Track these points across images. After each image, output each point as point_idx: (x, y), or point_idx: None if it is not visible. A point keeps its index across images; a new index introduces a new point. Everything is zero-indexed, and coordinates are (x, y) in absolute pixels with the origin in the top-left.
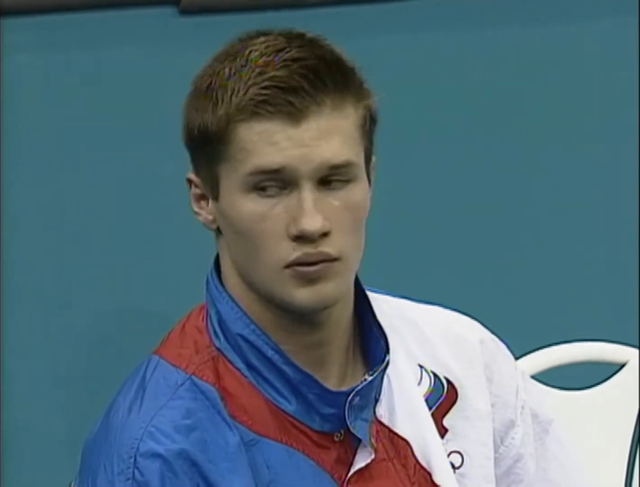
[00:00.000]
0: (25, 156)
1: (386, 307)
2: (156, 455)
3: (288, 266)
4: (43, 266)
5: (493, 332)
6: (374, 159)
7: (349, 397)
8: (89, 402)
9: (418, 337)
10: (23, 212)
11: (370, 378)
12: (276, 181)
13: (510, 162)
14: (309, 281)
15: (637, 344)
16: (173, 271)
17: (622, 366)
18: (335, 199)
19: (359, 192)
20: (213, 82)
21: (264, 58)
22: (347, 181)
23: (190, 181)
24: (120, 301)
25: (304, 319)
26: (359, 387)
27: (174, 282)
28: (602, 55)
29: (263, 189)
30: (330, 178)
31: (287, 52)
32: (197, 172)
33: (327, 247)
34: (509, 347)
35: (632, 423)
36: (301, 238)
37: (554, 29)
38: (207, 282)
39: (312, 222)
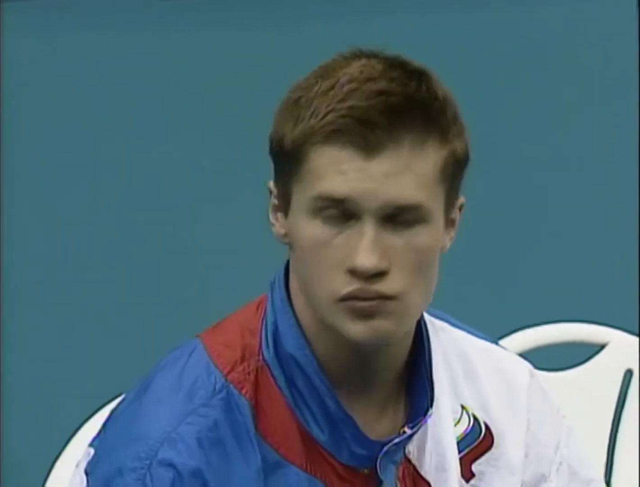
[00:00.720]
0: (25, 145)
1: (443, 336)
2: (172, 466)
3: (343, 299)
4: (43, 265)
5: (477, 313)
6: (461, 200)
7: (385, 446)
8: (89, 401)
9: (468, 375)
10: (22, 203)
11: (409, 432)
12: (340, 211)
13: (501, 144)
14: (364, 316)
15: (618, 326)
16: (174, 268)
17: (602, 347)
18: (399, 238)
19: (426, 235)
20: (302, 97)
21: (351, 84)
22: (415, 222)
23: (270, 190)
24: (121, 299)
25: (362, 350)
26: (396, 440)
27: (174, 280)
28: (600, 36)
29: (328, 216)
30: (397, 216)
31: (375, 83)
32: (275, 182)
33: (383, 286)
34: (492, 328)
35: (613, 403)
36: (356, 274)
37: (551, 10)
38: (273, 290)
39: (367, 260)
